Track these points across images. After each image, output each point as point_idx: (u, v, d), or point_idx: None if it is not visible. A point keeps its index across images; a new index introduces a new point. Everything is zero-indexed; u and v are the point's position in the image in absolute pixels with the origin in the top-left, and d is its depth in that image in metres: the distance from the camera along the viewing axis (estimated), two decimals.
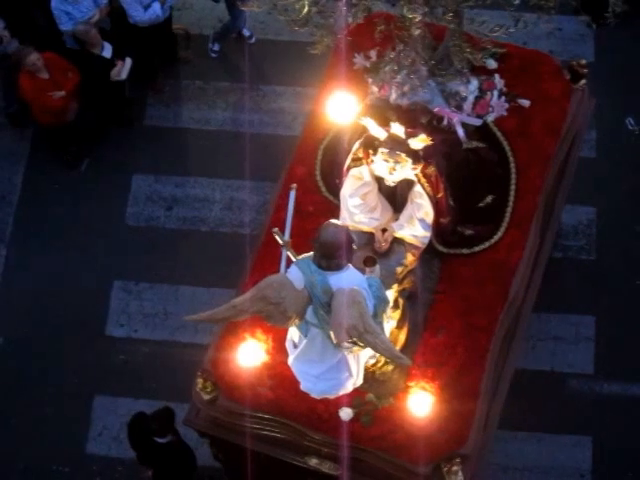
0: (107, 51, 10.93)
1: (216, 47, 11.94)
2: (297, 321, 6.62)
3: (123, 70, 10.92)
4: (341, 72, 7.86)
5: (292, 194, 7.10)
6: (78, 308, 10.60)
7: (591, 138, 11.19)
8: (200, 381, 7.71)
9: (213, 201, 11.24)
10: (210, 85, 11.83)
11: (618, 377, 10.22)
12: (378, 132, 7.16)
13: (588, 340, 10.37)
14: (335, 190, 7.84)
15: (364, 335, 6.26)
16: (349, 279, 6.50)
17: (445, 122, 7.84)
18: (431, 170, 7.29)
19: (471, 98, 7.90)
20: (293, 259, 6.72)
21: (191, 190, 11.32)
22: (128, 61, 10.94)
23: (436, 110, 7.75)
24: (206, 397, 7.71)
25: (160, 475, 9.34)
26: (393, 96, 7.68)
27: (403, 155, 7.15)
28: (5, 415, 10.18)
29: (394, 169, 7.22)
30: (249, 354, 7.55)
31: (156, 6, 10.98)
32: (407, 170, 7.23)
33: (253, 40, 12.01)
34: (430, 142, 7.11)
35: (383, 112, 7.64)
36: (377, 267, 7.15)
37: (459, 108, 7.87)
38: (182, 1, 12.00)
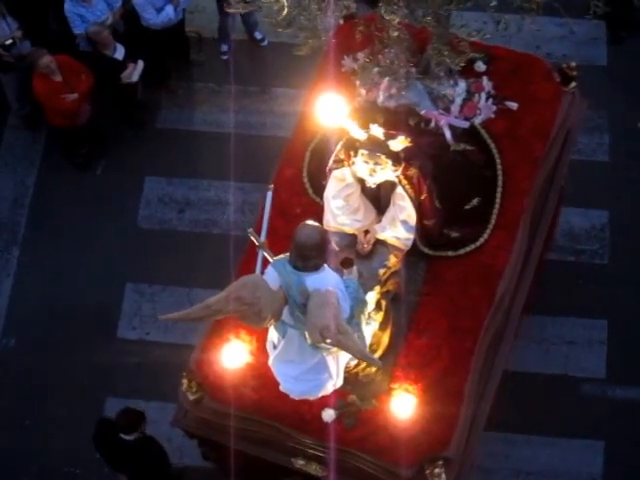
0: (119, 53, 11.06)
1: (224, 48, 12.04)
2: (273, 322, 6.64)
3: (134, 73, 11.03)
4: (330, 74, 7.85)
5: (269, 195, 7.15)
6: (90, 310, 10.68)
7: (604, 142, 11.15)
8: (185, 382, 7.76)
9: (225, 204, 11.32)
10: (223, 88, 11.91)
11: (631, 381, 10.17)
12: (358, 133, 7.16)
13: (601, 344, 10.33)
14: (322, 192, 7.83)
15: (337, 336, 6.25)
16: (325, 280, 6.49)
17: (433, 124, 7.82)
18: (413, 172, 7.27)
19: (459, 100, 7.86)
20: (270, 259, 6.75)
21: (204, 193, 11.41)
22: (140, 64, 11.05)
23: (423, 112, 7.73)
24: (191, 397, 7.76)
25: (134, 477, 9.35)
26: (380, 98, 7.67)
27: (383, 157, 7.14)
28: (18, 416, 10.28)
29: (374, 171, 7.21)
30: (233, 355, 7.58)
31: (169, 9, 11.11)
32: (388, 172, 7.22)
33: (265, 43, 12.09)
34: (409, 144, 7.09)
35: (371, 114, 7.63)
36: (354, 268, 7.15)
37: (447, 110, 7.83)
38: (195, 4, 12.09)
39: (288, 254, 6.55)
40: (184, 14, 11.51)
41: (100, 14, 11.03)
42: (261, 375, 7.52)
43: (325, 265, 6.56)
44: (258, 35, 12.07)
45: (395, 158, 7.18)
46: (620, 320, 10.41)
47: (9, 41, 10.83)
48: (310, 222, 6.59)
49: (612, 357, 10.28)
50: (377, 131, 7.13)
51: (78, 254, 11.04)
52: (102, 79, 10.99)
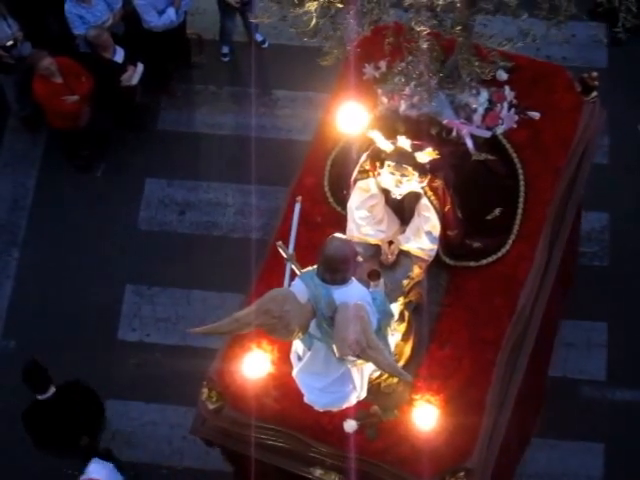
0: (119, 55, 10.98)
1: (225, 49, 11.99)
2: (301, 334, 6.61)
3: (134, 75, 10.94)
4: (351, 82, 7.81)
5: (297, 207, 7.10)
6: (91, 312, 10.65)
7: (604, 144, 11.18)
8: (205, 391, 7.71)
9: (225, 206, 11.30)
10: (223, 90, 11.90)
11: (630, 384, 10.21)
12: (385, 145, 7.13)
13: (600, 347, 10.36)
14: (343, 201, 7.81)
15: (367, 350, 6.24)
16: (353, 293, 6.47)
17: (454, 134, 7.80)
18: (438, 183, 7.26)
19: (481, 110, 7.86)
20: (297, 272, 6.71)
21: (204, 195, 11.37)
22: (139, 66, 10.97)
23: (445, 122, 7.72)
24: (211, 407, 7.71)
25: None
26: (402, 107, 7.66)
27: (410, 168, 7.12)
28: (18, 418, 10.15)
29: (400, 182, 7.20)
30: (255, 365, 7.52)
31: (170, 11, 11.05)
32: (414, 183, 7.20)
33: (266, 45, 12.06)
34: (437, 156, 7.07)
35: (392, 123, 7.61)
36: (381, 281, 7.11)
37: (469, 120, 7.82)
38: (196, 6, 12.01)
39: (316, 267, 6.52)
40: (185, 16, 11.44)
41: (100, 15, 10.95)
42: (283, 385, 7.48)
43: (353, 278, 6.54)
44: (259, 37, 12.03)
45: (421, 170, 7.16)
46: (620, 322, 10.45)
47: (10, 42, 10.75)
48: (339, 235, 6.58)
49: (612, 359, 10.31)
50: (404, 143, 7.10)
51: (78, 256, 10.98)
52: (101, 81, 10.90)
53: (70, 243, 11.07)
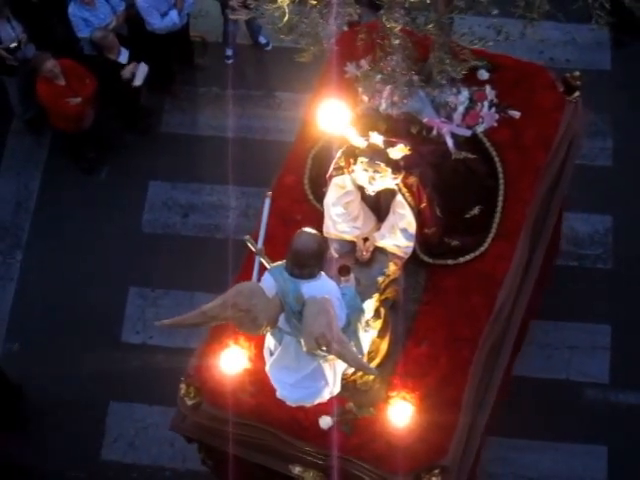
0: (124, 57, 11.04)
1: (228, 52, 12.04)
2: (269, 329, 6.64)
3: (138, 76, 11.01)
4: (332, 81, 7.85)
5: (267, 201, 7.17)
6: (94, 314, 10.68)
7: (608, 147, 11.14)
8: (183, 387, 7.74)
9: (229, 208, 11.30)
10: (227, 92, 11.86)
11: (633, 387, 10.14)
12: (358, 141, 7.15)
13: (604, 349, 10.30)
14: (323, 199, 7.82)
15: (332, 344, 6.25)
16: (322, 288, 6.49)
17: (435, 132, 7.82)
18: (412, 180, 7.26)
19: (461, 109, 7.87)
20: (267, 266, 6.75)
21: (207, 197, 11.40)
22: (144, 68, 11.02)
23: (425, 120, 7.75)
24: (189, 403, 7.74)
25: None
26: (383, 106, 7.69)
27: (382, 165, 7.13)
28: (20, 421, 10.28)
29: (374, 178, 7.20)
30: (232, 361, 7.56)
31: (173, 13, 11.12)
32: (387, 180, 7.21)
33: (270, 47, 12.09)
34: (409, 152, 7.08)
35: (373, 122, 7.65)
36: (352, 276, 7.14)
37: (449, 118, 7.84)
38: (199, 8, 12.08)
39: (285, 261, 6.55)
40: (188, 19, 11.52)
41: (104, 17, 11.03)
42: (259, 381, 7.50)
43: (322, 273, 6.56)
44: (262, 40, 12.08)
45: (395, 166, 7.17)
46: (623, 325, 10.37)
47: (14, 44, 10.84)
48: (307, 229, 6.59)
49: (615, 362, 10.24)
50: (377, 139, 7.12)
51: (82, 258, 11.03)
52: (106, 83, 10.97)
53: (73, 245, 11.13)
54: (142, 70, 11.12)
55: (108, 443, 10.19)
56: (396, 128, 7.55)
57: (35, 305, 10.85)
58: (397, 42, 6.90)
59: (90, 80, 10.86)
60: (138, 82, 11.14)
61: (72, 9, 10.92)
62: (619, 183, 11.00)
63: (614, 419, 10.01)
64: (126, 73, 10.95)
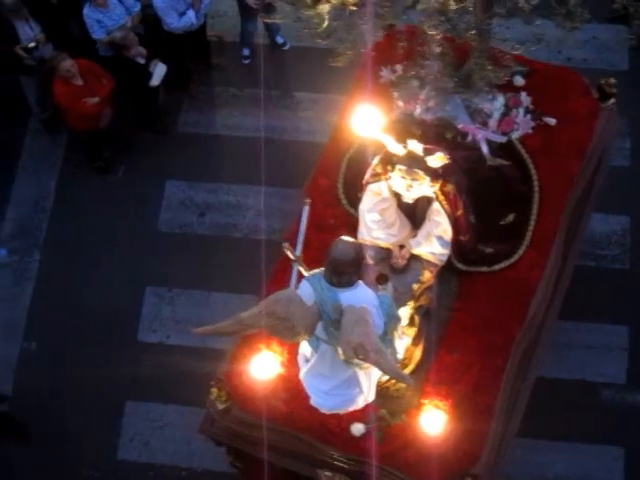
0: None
1: (246, 52, 12.00)
2: (306, 337, 6.61)
3: (156, 76, 10.96)
4: (367, 85, 7.81)
5: (305, 209, 7.10)
6: (111, 313, 10.64)
7: (625, 147, 11.10)
8: (215, 391, 7.73)
9: (246, 208, 11.26)
10: (244, 92, 11.87)
11: None
12: (396, 149, 7.12)
13: (621, 350, 10.26)
14: (356, 203, 7.81)
15: (370, 354, 6.22)
16: (359, 296, 6.46)
17: (469, 138, 7.80)
18: (450, 188, 7.24)
19: (497, 115, 7.86)
20: (304, 274, 6.71)
21: (224, 196, 11.35)
22: (161, 67, 10.97)
23: (461, 126, 7.72)
24: (220, 407, 7.72)
25: None
26: (418, 111, 7.67)
27: (421, 172, 7.11)
28: (37, 420, 10.20)
29: (411, 186, 7.19)
30: (264, 366, 7.53)
31: (190, 13, 11.06)
32: (425, 187, 7.19)
33: (287, 47, 12.05)
34: (448, 160, 7.04)
35: (408, 127, 7.63)
36: (389, 284, 7.10)
37: (484, 125, 7.82)
38: (216, 8, 12.03)
39: (323, 269, 6.51)
40: (206, 19, 11.46)
41: (118, 19, 10.93)
42: (292, 387, 7.48)
43: (360, 281, 6.52)
44: (280, 39, 12.02)
45: (433, 174, 7.15)
46: None
47: (31, 44, 10.76)
48: (345, 238, 6.55)
49: (632, 363, 10.20)
50: (415, 147, 7.08)
51: (99, 257, 10.97)
52: (124, 83, 10.91)
53: (91, 245, 11.06)
54: (160, 70, 11.06)
55: (124, 442, 10.13)
56: (430, 133, 7.51)
57: (52, 304, 10.78)
58: (438, 50, 6.84)
59: (107, 80, 10.79)
60: (156, 82, 11.09)
61: (86, 10, 10.84)
62: (637, 183, 10.95)
63: (631, 420, 9.96)
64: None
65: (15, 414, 10.01)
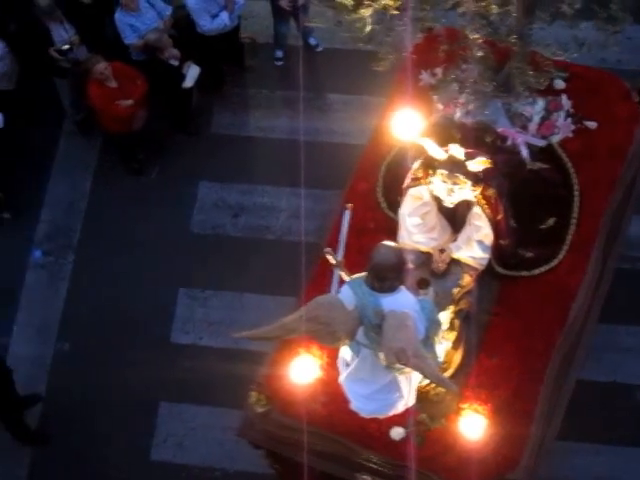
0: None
1: (278, 54, 12.01)
2: (347, 341, 6.61)
3: (189, 78, 10.99)
4: (407, 88, 7.79)
5: (347, 214, 7.10)
6: (144, 315, 10.69)
7: None
8: (254, 394, 7.74)
9: (279, 209, 11.28)
10: (276, 94, 11.90)
11: None
12: (437, 153, 7.10)
13: None
14: (396, 207, 7.79)
15: (412, 359, 6.22)
16: (401, 301, 6.46)
17: (509, 142, 7.77)
18: (491, 192, 7.22)
19: (537, 119, 7.84)
20: (346, 279, 6.71)
21: (257, 198, 11.36)
22: (195, 69, 10.99)
23: (500, 130, 7.69)
24: (259, 410, 7.73)
25: None
26: (458, 114, 7.64)
27: (462, 177, 7.10)
28: (71, 421, 10.25)
29: (452, 190, 7.17)
30: (303, 369, 7.52)
31: (224, 15, 11.08)
32: (466, 192, 7.17)
33: (320, 49, 12.04)
34: (489, 165, 7.02)
35: (447, 130, 7.60)
36: (430, 289, 7.10)
37: (524, 128, 7.80)
38: (249, 10, 12.02)
39: (364, 274, 6.50)
40: (239, 20, 11.46)
41: (150, 23, 10.94)
42: (331, 391, 7.48)
43: (401, 286, 6.51)
44: (313, 41, 12.01)
45: (474, 178, 7.13)
46: None
47: (66, 46, 10.80)
48: (387, 243, 6.55)
49: None
50: (457, 151, 7.07)
51: (132, 258, 11.01)
52: (157, 85, 10.94)
53: (124, 246, 11.10)
54: (193, 72, 11.08)
55: (157, 443, 10.16)
56: (470, 137, 7.47)
57: (86, 305, 10.83)
58: (480, 54, 6.81)
59: (141, 82, 10.82)
60: (189, 84, 11.12)
61: (118, 15, 10.87)
62: None
63: None
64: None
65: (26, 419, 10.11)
